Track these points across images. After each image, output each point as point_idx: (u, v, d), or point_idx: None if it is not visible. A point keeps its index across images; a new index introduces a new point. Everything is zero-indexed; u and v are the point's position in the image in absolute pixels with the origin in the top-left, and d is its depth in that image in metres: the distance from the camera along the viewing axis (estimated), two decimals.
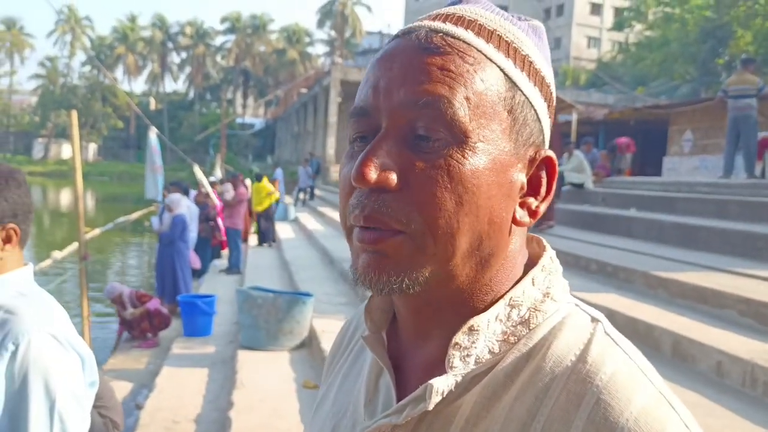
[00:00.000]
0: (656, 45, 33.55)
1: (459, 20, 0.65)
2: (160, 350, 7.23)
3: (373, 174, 0.60)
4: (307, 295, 6.42)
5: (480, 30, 0.65)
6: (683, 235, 7.37)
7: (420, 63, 0.62)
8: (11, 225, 1.45)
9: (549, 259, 0.71)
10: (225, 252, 12.76)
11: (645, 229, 8.17)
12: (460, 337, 0.64)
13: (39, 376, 1.34)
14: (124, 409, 5.52)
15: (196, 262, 11.16)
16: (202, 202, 12.99)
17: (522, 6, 58.61)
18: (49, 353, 1.37)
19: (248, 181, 15.90)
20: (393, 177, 0.60)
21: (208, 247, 12.91)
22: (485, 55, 0.63)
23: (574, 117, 20.36)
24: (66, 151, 60.89)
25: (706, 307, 4.90)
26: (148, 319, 7.69)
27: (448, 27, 0.64)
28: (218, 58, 74.96)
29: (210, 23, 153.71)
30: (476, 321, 0.64)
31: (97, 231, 15.15)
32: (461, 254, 0.63)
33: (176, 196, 9.50)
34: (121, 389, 6.00)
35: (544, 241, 0.73)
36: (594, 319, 0.67)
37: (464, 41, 0.63)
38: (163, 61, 73.69)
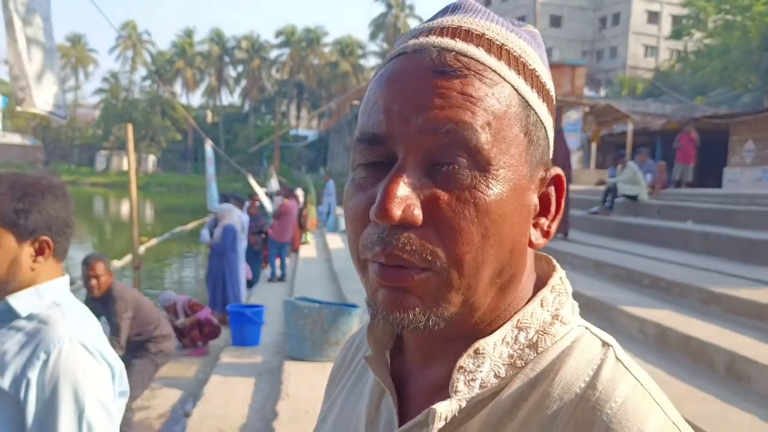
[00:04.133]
0: (716, 53, 32.65)
1: (467, 35, 0.62)
2: (210, 359, 7.33)
3: (398, 211, 0.56)
4: (353, 306, 6.44)
5: (490, 46, 0.62)
6: (741, 249, 7.13)
7: (438, 87, 0.58)
8: (44, 237, 1.49)
9: (559, 279, 0.69)
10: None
11: (701, 242, 7.93)
12: (465, 361, 0.62)
13: (68, 385, 1.36)
14: (173, 416, 5.65)
15: (249, 273, 11.32)
16: (255, 213, 13.17)
17: (577, 15, 57.91)
18: (79, 363, 1.40)
19: (300, 192, 16.10)
20: (418, 213, 0.57)
21: (259, 259, 13.08)
22: (500, 75, 0.61)
23: (630, 127, 19.96)
24: (127, 163, 62.78)
25: (763, 325, 4.72)
26: (198, 328, 7.81)
27: (460, 45, 0.60)
28: (273, 71, 76.22)
29: (265, 37, 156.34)
30: (482, 344, 0.63)
31: (153, 241, 15.57)
32: (484, 285, 0.61)
33: (226, 206, 9.64)
34: (171, 397, 6.11)
35: (554, 261, 0.71)
36: (605, 344, 0.65)
37: (479, 61, 0.60)
38: (219, 75, 75.33)
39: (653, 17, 56.98)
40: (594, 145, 22.04)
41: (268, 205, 15.29)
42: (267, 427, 4.79)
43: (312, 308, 6.18)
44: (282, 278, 11.81)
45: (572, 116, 21.60)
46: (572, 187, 12.97)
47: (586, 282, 6.68)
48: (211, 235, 9.48)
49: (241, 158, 49.17)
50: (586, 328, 0.66)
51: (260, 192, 14.77)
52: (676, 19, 49.09)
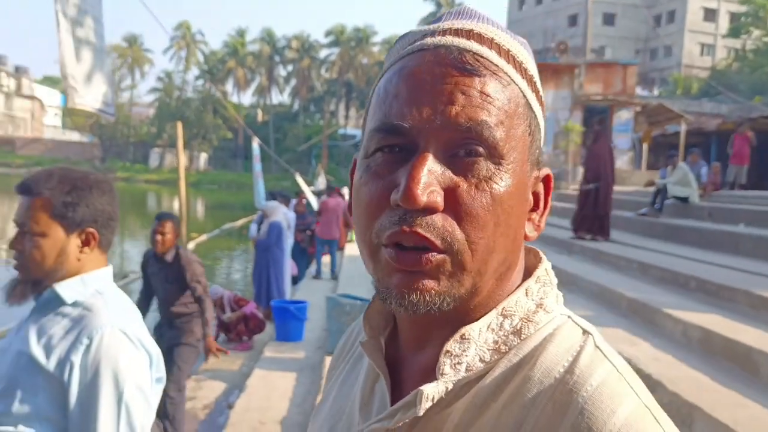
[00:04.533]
0: None
1: (480, 38, 0.66)
2: (254, 353, 7.49)
3: (423, 196, 0.59)
4: None
5: (500, 50, 0.66)
6: None
7: (459, 84, 0.63)
8: (90, 229, 1.58)
9: (544, 270, 0.73)
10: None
11: (753, 245, 7.72)
12: (451, 345, 0.66)
13: (109, 369, 1.45)
14: (216, 407, 5.79)
15: (294, 270, 11.48)
16: (301, 211, 13.35)
17: (630, 13, 56.72)
18: (119, 349, 1.49)
19: (346, 190, 16.22)
20: (440, 199, 0.61)
21: (305, 256, 13.24)
22: (510, 77, 0.65)
23: (683, 128, 19.52)
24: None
25: None
26: (244, 322, 7.98)
27: (476, 46, 0.65)
28: (322, 71, 76.73)
29: (315, 36, 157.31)
30: (468, 329, 0.66)
31: (204, 237, 15.86)
32: (490, 271, 0.65)
33: (273, 203, 9.80)
34: (216, 389, 6.27)
35: (541, 253, 0.75)
36: (585, 332, 0.68)
37: (492, 62, 0.65)
38: (270, 75, 76.19)
39: (710, 14, 55.40)
40: (645, 146, 21.60)
41: (315, 204, 15.46)
42: (306, 421, 4.88)
43: (354, 305, 6.27)
44: (333, 276, 11.95)
45: (623, 116, 21.23)
46: (620, 188, 12.75)
47: (630, 284, 6.58)
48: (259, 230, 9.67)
49: (290, 157, 49.76)
50: (569, 317, 0.70)
51: (307, 190, 14.97)
52: (734, 17, 47.70)
